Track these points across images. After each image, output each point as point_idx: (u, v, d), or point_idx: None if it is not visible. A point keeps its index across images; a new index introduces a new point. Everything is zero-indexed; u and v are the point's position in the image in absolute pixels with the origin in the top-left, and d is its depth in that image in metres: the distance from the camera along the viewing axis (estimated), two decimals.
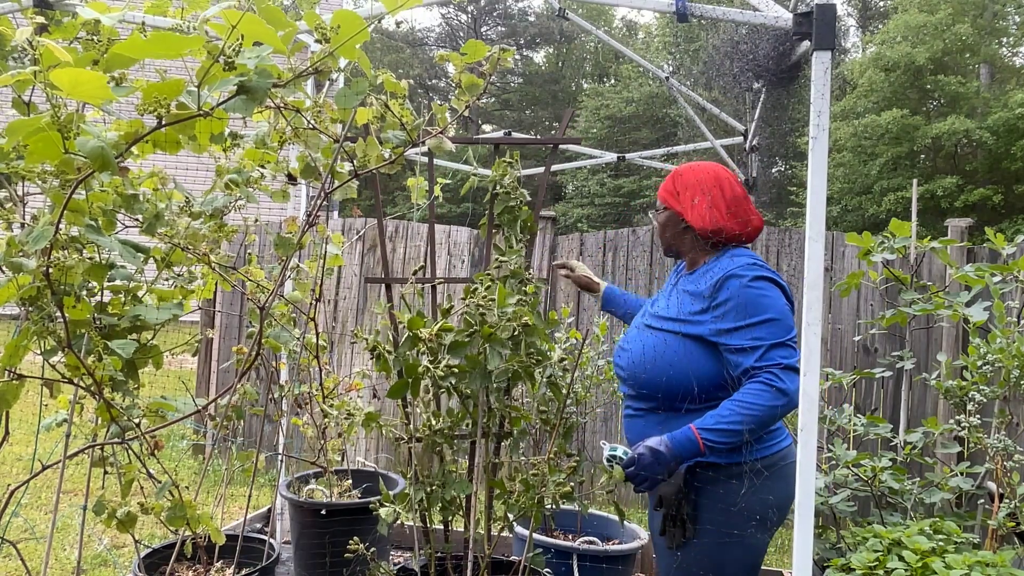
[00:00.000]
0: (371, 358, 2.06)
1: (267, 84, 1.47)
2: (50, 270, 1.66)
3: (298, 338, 2.74)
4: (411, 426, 2.13)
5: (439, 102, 2.02)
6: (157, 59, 1.48)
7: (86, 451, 2.05)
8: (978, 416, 2.68)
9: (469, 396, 2.08)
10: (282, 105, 1.93)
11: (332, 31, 1.57)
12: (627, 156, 4.85)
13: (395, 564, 2.67)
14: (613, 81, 28.94)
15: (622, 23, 34.21)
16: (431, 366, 1.98)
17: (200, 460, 5.54)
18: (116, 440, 1.99)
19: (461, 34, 31.58)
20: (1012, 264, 2.96)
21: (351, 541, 2.11)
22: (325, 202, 2.11)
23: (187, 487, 2.21)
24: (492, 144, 2.52)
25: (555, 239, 5.18)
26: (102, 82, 1.33)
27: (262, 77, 1.47)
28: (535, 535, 2.53)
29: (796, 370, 1.79)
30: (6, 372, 1.81)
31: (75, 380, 1.93)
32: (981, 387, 2.74)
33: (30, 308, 1.78)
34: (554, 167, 2.87)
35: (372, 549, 2.10)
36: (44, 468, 1.98)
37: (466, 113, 2.00)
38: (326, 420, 2.98)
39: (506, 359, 1.94)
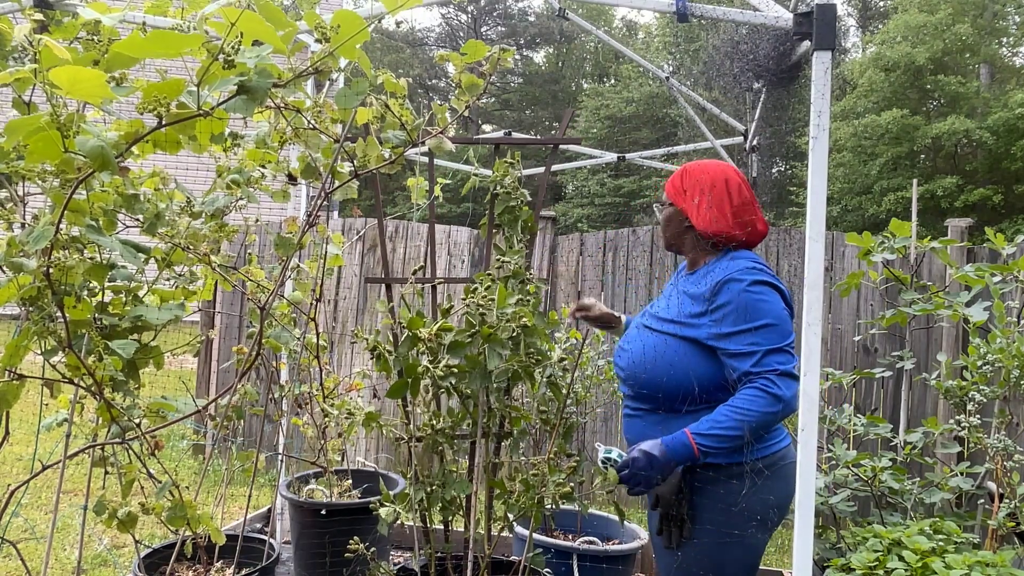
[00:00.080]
0: (371, 358, 2.06)
1: (267, 84, 1.47)
2: (50, 270, 1.66)
3: (298, 338, 2.74)
4: (411, 426, 2.13)
5: (439, 102, 2.02)
6: (157, 59, 1.48)
7: (86, 451, 2.05)
8: (978, 416, 2.68)
9: (469, 396, 2.08)
10: (282, 105, 1.93)
11: (332, 31, 1.57)
12: (627, 156, 4.85)
13: (395, 564, 2.67)
14: (613, 81, 28.95)
15: (622, 23, 34.22)
16: (431, 366, 1.98)
17: (200, 460, 5.54)
18: (116, 440, 1.99)
19: (461, 34, 31.58)
20: (1012, 264, 2.96)
21: (351, 541, 2.11)
22: (325, 202, 2.11)
23: (187, 487, 2.21)
24: (492, 144, 2.52)
25: (555, 239, 5.18)
26: (102, 81, 1.33)
27: (262, 77, 1.47)
28: (535, 535, 2.53)
29: (793, 376, 1.79)
30: (6, 372, 1.81)
31: (75, 380, 1.93)
32: (981, 387, 2.74)
33: (30, 308, 1.78)
34: (554, 167, 2.87)
35: (372, 549, 2.10)
36: (44, 468, 1.98)
37: (466, 113, 2.00)
38: (326, 420, 2.98)
39: (506, 359, 1.94)
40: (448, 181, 3.22)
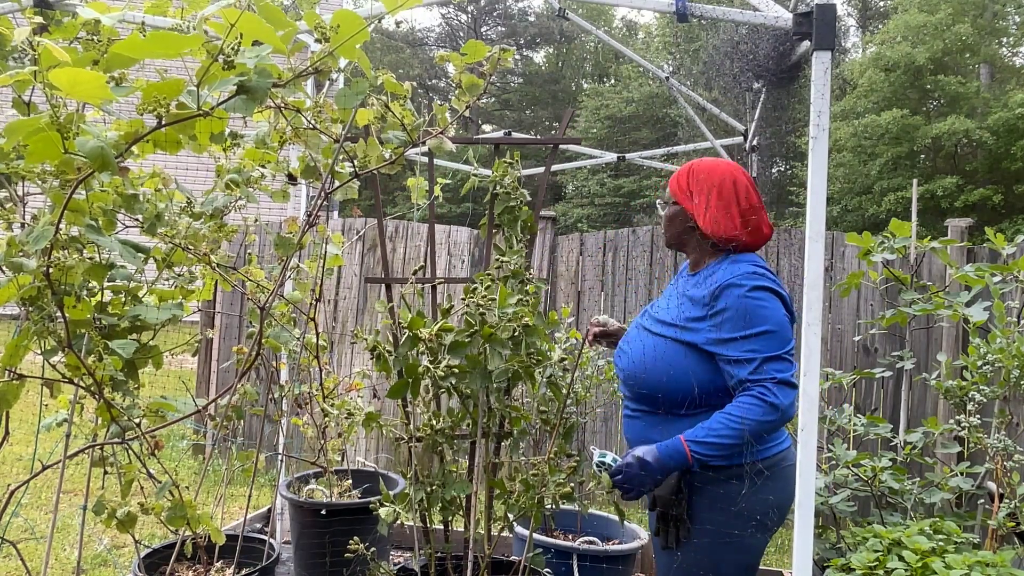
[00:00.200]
0: (371, 358, 2.06)
1: (267, 84, 1.47)
2: (50, 270, 1.66)
3: (298, 338, 2.74)
4: (411, 426, 2.13)
5: (439, 102, 2.02)
6: (157, 59, 1.48)
7: (86, 451, 2.05)
8: (978, 416, 2.68)
9: (469, 396, 2.08)
10: (282, 105, 1.93)
11: (332, 31, 1.57)
12: (627, 156, 4.85)
13: (395, 564, 2.67)
14: (613, 81, 28.95)
15: (622, 23, 34.22)
16: (431, 366, 1.98)
17: (200, 460, 5.54)
18: (116, 440, 1.99)
19: (461, 34, 31.58)
20: (1012, 264, 2.96)
21: (351, 541, 2.11)
22: (325, 202, 2.11)
23: (187, 487, 2.21)
24: (492, 144, 2.52)
25: (555, 239, 5.18)
26: (101, 82, 1.33)
27: (262, 77, 1.47)
28: (535, 535, 2.53)
29: (791, 384, 1.78)
30: (6, 372, 1.81)
31: (75, 380, 1.93)
32: (981, 387, 2.74)
33: (30, 308, 1.78)
34: (554, 167, 2.87)
35: (372, 549, 2.10)
36: (44, 468, 1.98)
37: (466, 113, 2.00)
38: (326, 420, 2.98)
39: (506, 359, 1.94)
40: (448, 181, 3.22)
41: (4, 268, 1.72)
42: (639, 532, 3.13)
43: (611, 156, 4.86)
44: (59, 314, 1.78)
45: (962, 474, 2.68)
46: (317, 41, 1.61)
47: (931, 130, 18.28)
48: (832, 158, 18.82)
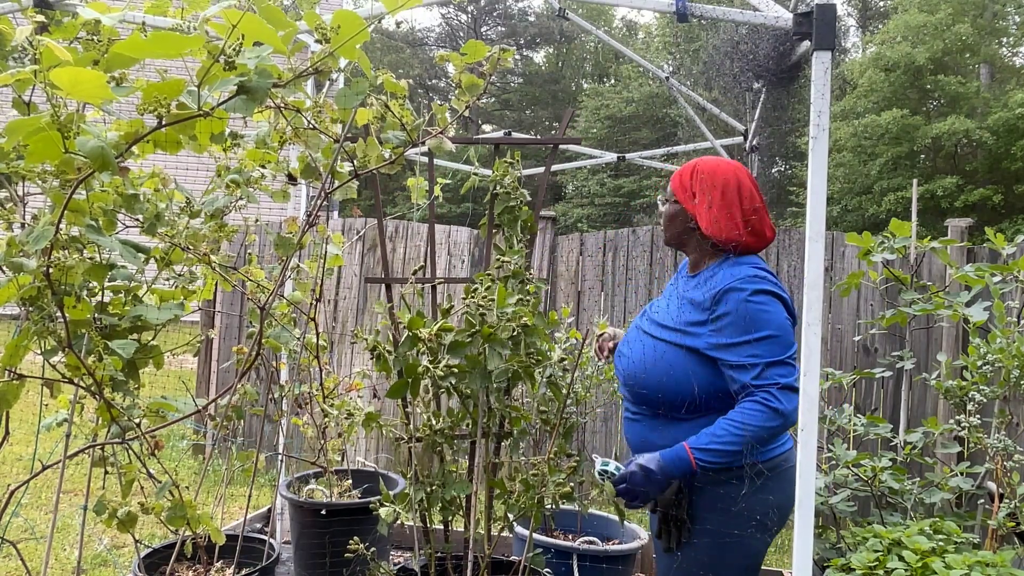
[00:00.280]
0: (371, 358, 2.06)
1: (267, 84, 1.47)
2: (50, 270, 1.66)
3: (298, 338, 2.74)
4: (411, 426, 2.13)
5: (439, 102, 2.02)
6: (157, 59, 1.48)
7: (86, 451, 2.05)
8: (978, 416, 2.68)
9: (469, 396, 2.08)
10: (282, 105, 1.93)
11: (332, 31, 1.57)
12: (627, 156, 4.85)
13: (395, 564, 2.67)
14: (613, 81, 28.95)
15: (622, 23, 34.22)
16: (431, 366, 1.98)
17: (200, 460, 5.54)
18: (116, 440, 1.99)
19: (461, 34, 31.58)
20: (1012, 264, 2.96)
21: (351, 541, 2.11)
22: (325, 202, 2.11)
23: (187, 487, 2.21)
24: (492, 144, 2.52)
25: (555, 239, 5.18)
26: (102, 82, 1.33)
27: (262, 77, 1.47)
28: (535, 535, 2.53)
29: (794, 389, 1.76)
30: (6, 372, 1.81)
31: (75, 380, 1.93)
32: (981, 387, 2.74)
33: (30, 308, 1.78)
34: (554, 167, 2.87)
35: (372, 549, 2.10)
36: (44, 468, 1.98)
37: (466, 113, 2.00)
38: (326, 420, 2.98)
39: (506, 359, 1.94)
40: (448, 181, 3.22)
41: (4, 268, 1.72)
42: (639, 532, 3.13)
43: (611, 156, 4.86)
44: (59, 314, 1.78)
45: (962, 474, 2.68)
46: (317, 41, 1.61)
47: (931, 130, 18.28)
48: (832, 158, 18.82)
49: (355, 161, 2.03)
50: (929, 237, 3.21)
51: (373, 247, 5.39)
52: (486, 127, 2.57)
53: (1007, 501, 2.47)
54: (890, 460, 2.65)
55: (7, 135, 1.47)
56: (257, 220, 2.63)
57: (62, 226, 1.64)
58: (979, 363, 2.76)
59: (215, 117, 1.49)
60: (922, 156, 19.93)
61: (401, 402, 2.18)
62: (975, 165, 19.20)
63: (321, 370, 2.93)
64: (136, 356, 1.98)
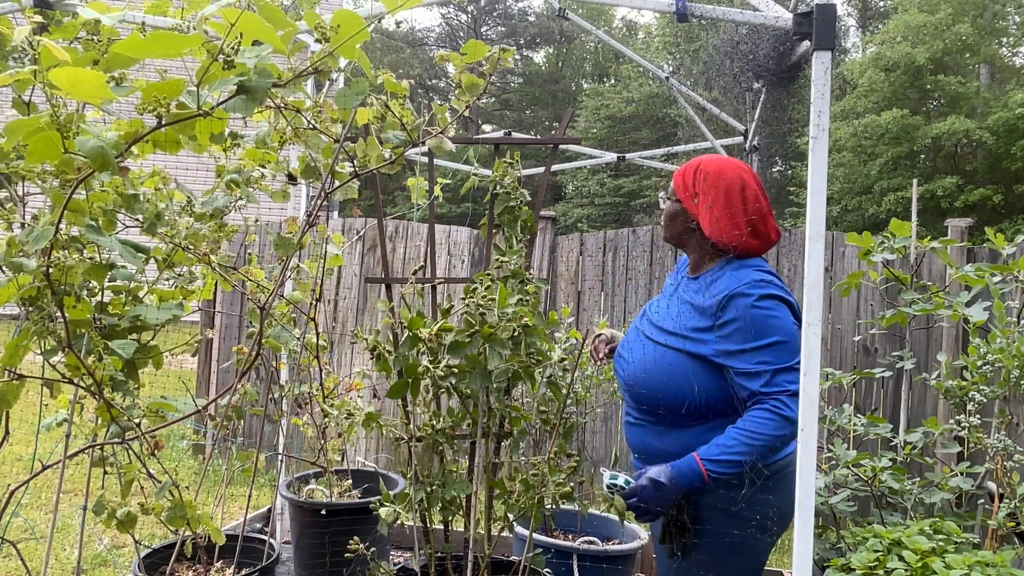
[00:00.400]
0: (371, 358, 2.06)
1: (267, 84, 1.47)
2: (50, 270, 1.66)
3: (298, 338, 2.74)
4: (411, 426, 2.13)
5: (439, 102, 2.02)
6: (157, 59, 1.48)
7: (86, 451, 2.05)
8: (978, 416, 2.68)
9: (469, 396, 2.08)
10: (282, 105, 1.93)
11: (332, 31, 1.57)
12: (627, 156, 4.85)
13: (395, 564, 2.67)
14: (613, 81, 28.95)
15: (622, 23, 34.22)
16: (431, 366, 1.98)
17: (200, 460, 5.54)
18: (116, 440, 1.99)
19: (461, 34, 31.58)
20: (1012, 264, 2.96)
21: (351, 541, 2.11)
22: (325, 202, 2.11)
23: (187, 487, 2.21)
24: (492, 144, 2.52)
25: (555, 239, 5.18)
26: (101, 82, 1.33)
27: (262, 77, 1.47)
28: (535, 535, 2.53)
29: None
30: (6, 372, 1.81)
31: (75, 380, 1.93)
32: (981, 387, 2.74)
33: (30, 308, 1.78)
34: (554, 167, 2.87)
35: (372, 549, 2.10)
36: (44, 468, 1.98)
37: (466, 113, 2.00)
38: (326, 420, 2.98)
39: (506, 359, 1.93)
40: (448, 181, 3.22)
41: (4, 268, 1.72)
42: (639, 532, 3.13)
43: (611, 156, 4.86)
44: (59, 314, 1.78)
45: (962, 474, 2.68)
46: (317, 41, 1.61)
47: (931, 130, 18.29)
48: (832, 158, 18.82)
49: (355, 161, 2.03)
50: (929, 237, 3.21)
51: (373, 247, 5.39)
52: (486, 127, 2.57)
53: (1007, 501, 2.46)
54: (890, 460, 2.65)
55: (7, 135, 1.47)
56: (257, 220, 2.62)
57: (62, 226, 1.64)
58: (979, 363, 2.76)
59: (215, 117, 1.49)
60: (922, 156, 19.93)
61: (401, 402, 2.18)
62: (975, 165, 19.21)
63: (321, 370, 2.93)
64: (136, 356, 1.98)
